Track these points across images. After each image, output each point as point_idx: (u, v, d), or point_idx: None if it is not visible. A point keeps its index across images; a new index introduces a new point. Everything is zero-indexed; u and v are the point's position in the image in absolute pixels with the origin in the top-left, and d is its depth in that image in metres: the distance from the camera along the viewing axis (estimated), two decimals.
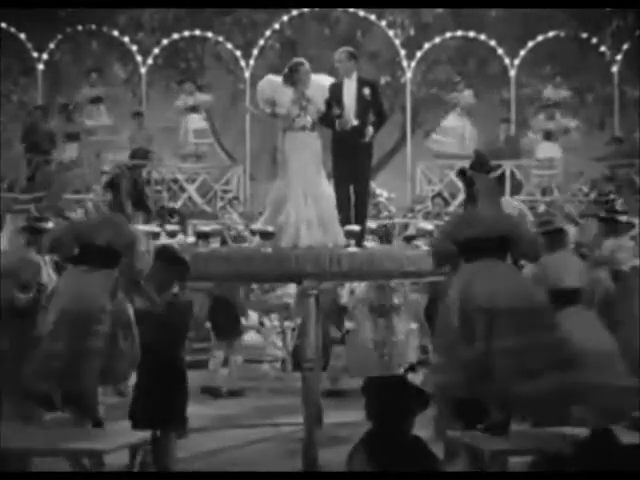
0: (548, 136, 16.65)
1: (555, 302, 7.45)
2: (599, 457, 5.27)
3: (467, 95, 17.34)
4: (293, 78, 10.22)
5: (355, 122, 10.24)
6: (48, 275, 8.74)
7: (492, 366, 6.92)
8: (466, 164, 15.42)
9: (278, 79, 10.36)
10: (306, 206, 10.07)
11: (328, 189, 10.33)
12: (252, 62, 17.61)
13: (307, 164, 10.18)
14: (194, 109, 17.32)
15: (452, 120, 17.36)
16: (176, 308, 7.86)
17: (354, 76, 10.39)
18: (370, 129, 10.31)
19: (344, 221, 10.16)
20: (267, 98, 10.36)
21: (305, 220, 9.86)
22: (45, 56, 17.56)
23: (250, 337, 13.36)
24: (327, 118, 10.28)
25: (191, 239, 13.47)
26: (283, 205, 10.19)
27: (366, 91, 10.32)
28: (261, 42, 17.80)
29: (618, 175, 15.77)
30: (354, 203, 10.38)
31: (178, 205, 16.57)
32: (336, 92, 10.30)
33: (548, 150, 16.62)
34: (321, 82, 10.41)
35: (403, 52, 17.65)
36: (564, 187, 16.42)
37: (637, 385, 7.75)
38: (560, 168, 16.46)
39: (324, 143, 10.36)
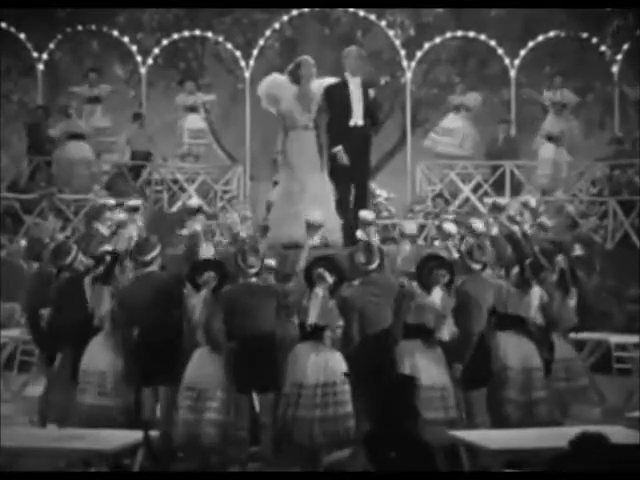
0: (552, 137, 16.61)
1: None
2: (590, 457, 5.27)
3: (473, 98, 17.32)
4: (298, 74, 10.24)
5: (361, 122, 10.23)
6: None
7: None
8: (466, 165, 15.42)
9: (282, 77, 10.36)
10: (305, 204, 10.08)
11: (330, 188, 10.34)
12: (252, 62, 17.58)
13: (309, 163, 10.18)
14: (193, 109, 17.31)
15: (452, 121, 17.34)
16: None
17: (359, 76, 10.38)
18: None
19: (345, 221, 10.17)
20: (270, 94, 10.36)
21: (302, 217, 9.88)
22: (45, 56, 17.53)
23: None
24: (332, 122, 10.24)
25: None
26: (285, 203, 10.23)
27: (371, 92, 10.33)
28: (261, 42, 17.78)
29: (615, 176, 15.77)
30: (353, 202, 10.39)
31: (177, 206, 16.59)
32: (341, 92, 10.24)
33: (551, 151, 16.56)
34: (325, 82, 10.41)
35: (403, 52, 17.64)
36: (564, 187, 16.40)
37: None
38: (565, 171, 16.44)
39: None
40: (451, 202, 16.20)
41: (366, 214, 9.70)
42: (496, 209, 10.14)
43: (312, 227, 9.31)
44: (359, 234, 9.59)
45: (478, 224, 9.75)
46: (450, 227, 9.76)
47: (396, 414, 5.94)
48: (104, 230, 10.29)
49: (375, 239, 9.35)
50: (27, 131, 16.84)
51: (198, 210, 9.82)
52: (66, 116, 16.34)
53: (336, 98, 10.20)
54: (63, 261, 9.41)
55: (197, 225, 9.58)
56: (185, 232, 9.90)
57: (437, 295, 8.56)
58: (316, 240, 9.31)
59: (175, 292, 8.74)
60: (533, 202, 10.87)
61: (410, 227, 9.85)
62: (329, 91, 10.25)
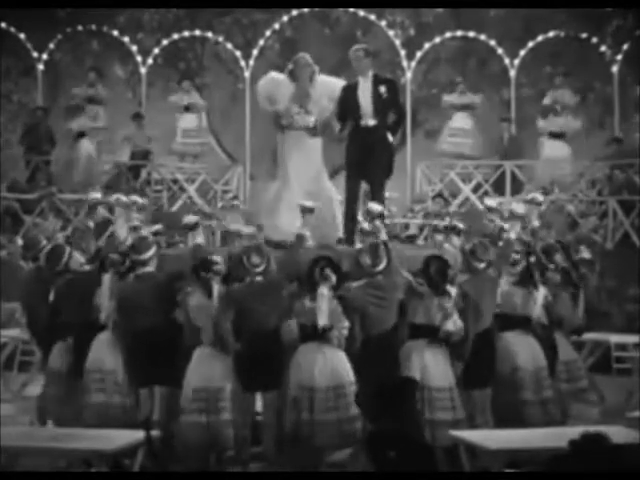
0: (555, 135, 16.62)
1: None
2: (592, 457, 5.27)
3: (469, 99, 17.37)
4: (295, 73, 10.19)
5: (372, 122, 10.19)
6: None
7: None
8: (466, 165, 15.33)
9: (280, 76, 10.31)
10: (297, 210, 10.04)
11: (330, 190, 10.30)
12: (252, 62, 17.60)
13: (306, 164, 10.14)
14: (187, 108, 17.34)
15: (460, 120, 17.34)
16: None
17: (370, 74, 10.27)
18: (388, 134, 10.29)
19: (348, 216, 10.13)
20: (267, 95, 10.31)
21: (294, 222, 9.83)
22: (45, 56, 17.56)
23: None
24: (342, 122, 10.25)
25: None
26: (279, 205, 10.17)
27: (382, 89, 10.20)
28: (261, 42, 17.80)
29: (615, 176, 15.77)
30: (369, 199, 10.37)
31: (177, 206, 16.58)
32: (350, 93, 10.21)
33: (555, 148, 16.57)
34: (329, 82, 10.34)
35: (403, 52, 17.65)
36: (565, 187, 16.40)
37: None
38: (568, 168, 16.44)
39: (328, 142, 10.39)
40: (451, 202, 16.19)
41: (375, 206, 9.61)
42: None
43: (306, 210, 9.31)
44: (366, 226, 9.52)
45: (517, 207, 9.78)
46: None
47: (397, 415, 5.94)
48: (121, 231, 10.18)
49: (383, 233, 9.29)
50: (24, 132, 16.84)
51: (197, 225, 9.75)
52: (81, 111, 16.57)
53: (347, 100, 10.18)
54: (56, 265, 9.41)
55: (198, 238, 9.55)
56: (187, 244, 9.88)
57: (453, 293, 8.57)
58: (310, 223, 9.30)
59: (172, 292, 8.73)
60: (540, 198, 10.85)
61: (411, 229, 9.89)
62: (341, 93, 10.25)
